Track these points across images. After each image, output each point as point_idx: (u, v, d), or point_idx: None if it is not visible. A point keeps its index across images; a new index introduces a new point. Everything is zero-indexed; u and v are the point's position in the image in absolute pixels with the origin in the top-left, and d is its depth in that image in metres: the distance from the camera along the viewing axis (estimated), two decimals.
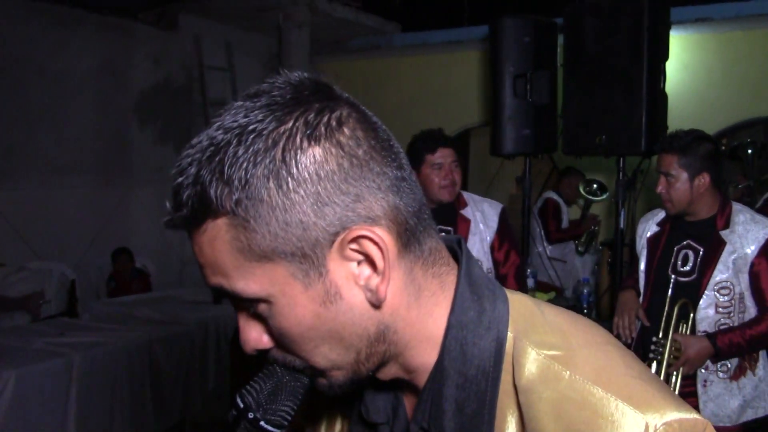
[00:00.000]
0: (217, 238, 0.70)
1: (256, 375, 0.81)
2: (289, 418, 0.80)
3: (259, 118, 0.69)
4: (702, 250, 2.91)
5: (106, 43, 6.43)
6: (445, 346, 0.76)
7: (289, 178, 0.67)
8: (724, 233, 2.85)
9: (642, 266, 3.09)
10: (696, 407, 2.78)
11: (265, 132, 0.68)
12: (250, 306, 0.74)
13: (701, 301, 2.82)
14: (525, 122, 4.68)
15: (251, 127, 0.68)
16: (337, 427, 0.94)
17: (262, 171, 0.67)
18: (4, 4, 5.63)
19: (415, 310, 0.76)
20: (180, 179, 0.70)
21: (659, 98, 4.28)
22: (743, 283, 2.83)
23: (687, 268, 2.94)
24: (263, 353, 0.79)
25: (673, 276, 2.94)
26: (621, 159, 4.35)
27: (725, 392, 2.84)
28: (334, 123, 0.70)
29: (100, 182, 6.46)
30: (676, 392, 2.71)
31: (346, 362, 0.76)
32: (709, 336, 2.75)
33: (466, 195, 3.32)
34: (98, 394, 4.00)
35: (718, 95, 6.21)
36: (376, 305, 0.73)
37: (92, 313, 5.00)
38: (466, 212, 3.20)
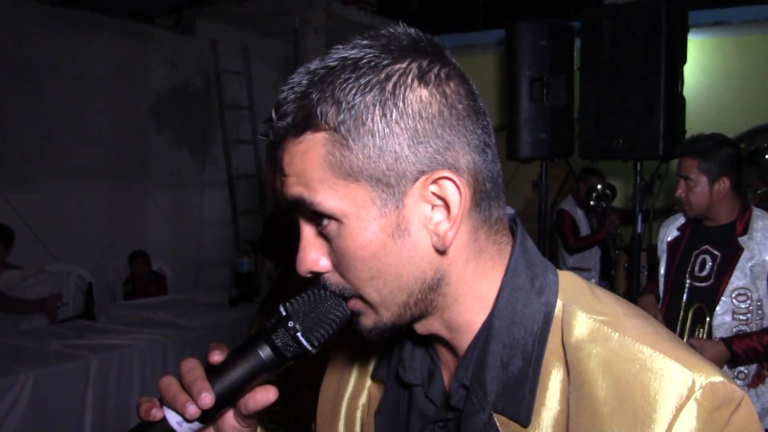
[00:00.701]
0: (312, 150, 0.75)
1: (304, 292, 0.82)
2: (323, 341, 0.82)
3: (376, 54, 0.74)
4: (719, 255, 2.89)
5: (123, 47, 6.47)
6: (496, 307, 0.79)
7: (395, 110, 0.73)
8: (742, 239, 2.83)
9: (662, 270, 3.07)
10: None
11: (379, 66, 0.74)
12: (320, 223, 0.77)
13: (718, 308, 2.80)
14: (541, 126, 4.67)
15: (366, 60, 0.74)
16: (363, 397, 0.97)
17: (370, 98, 0.72)
18: (23, 9, 5.68)
19: (472, 269, 0.80)
20: (289, 92, 0.76)
21: (677, 102, 4.25)
22: (761, 290, 2.80)
23: (704, 273, 2.92)
24: (316, 277, 0.82)
25: (688, 281, 2.91)
26: (638, 163, 4.32)
27: None
28: (443, 75, 0.76)
29: (117, 185, 6.50)
30: None
31: (395, 303, 0.78)
32: (725, 341, 2.73)
33: None
34: (114, 396, 4.02)
35: (736, 99, 6.17)
36: (440, 251, 0.76)
37: (109, 316, 5.03)
38: None
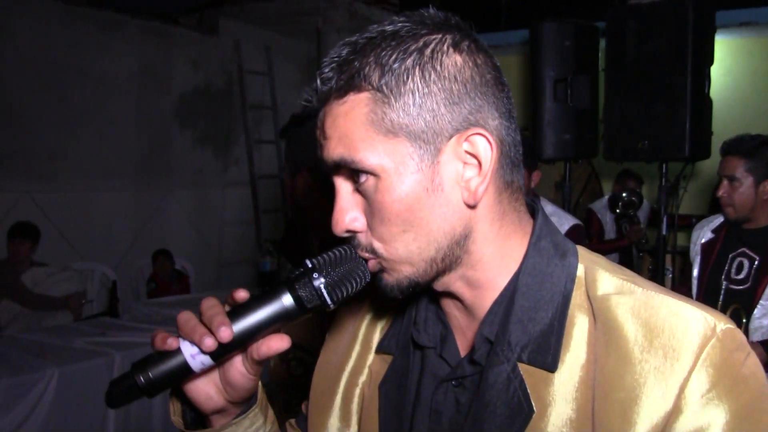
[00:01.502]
0: (355, 109, 0.80)
1: (331, 250, 0.85)
2: (342, 298, 0.85)
3: (413, 26, 0.82)
4: (758, 259, 2.85)
5: (147, 47, 6.53)
6: (523, 265, 0.85)
7: (432, 72, 0.79)
8: None
9: (695, 272, 3.03)
10: None
11: (417, 35, 0.81)
12: (357, 181, 0.82)
13: (756, 311, 2.75)
14: (565, 127, 4.64)
15: (405, 31, 0.81)
16: (363, 374, 0.99)
17: (410, 62, 0.79)
18: (48, 9, 5.75)
19: (497, 229, 0.85)
20: (331, 61, 0.82)
21: (704, 103, 4.20)
22: None
23: (741, 276, 2.87)
24: (350, 239, 0.86)
25: (725, 283, 2.87)
26: (664, 164, 4.28)
27: None
28: (474, 47, 0.83)
29: (140, 184, 6.56)
30: None
31: (422, 258, 0.83)
32: (763, 343, 2.69)
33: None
34: None
35: (763, 100, 6.10)
36: (471, 205, 0.82)
37: (132, 314, 5.06)
38: None
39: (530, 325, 0.82)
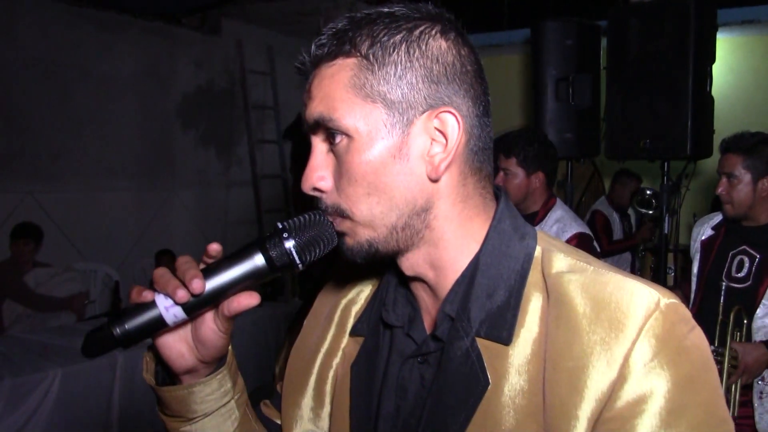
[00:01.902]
0: (341, 72, 0.86)
1: (303, 214, 0.90)
2: (310, 260, 0.89)
3: (408, 11, 0.88)
4: (759, 257, 2.83)
5: (150, 48, 6.54)
6: (484, 246, 0.90)
7: (417, 50, 0.86)
8: None
9: (695, 269, 3.02)
10: (752, 418, 2.71)
11: (410, 18, 0.87)
12: (333, 142, 0.88)
13: (758, 310, 2.74)
14: (567, 126, 4.64)
15: (400, 13, 0.88)
16: (337, 356, 1.04)
17: (398, 38, 0.86)
18: (52, 10, 5.76)
19: (459, 210, 0.90)
20: (332, 27, 0.89)
21: (705, 101, 4.19)
22: None
23: (741, 274, 2.86)
24: (316, 199, 0.91)
25: (725, 282, 2.86)
26: (666, 163, 4.28)
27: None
28: (460, 40, 0.89)
29: (143, 185, 6.57)
30: (735, 402, 2.68)
31: (384, 223, 0.88)
32: (767, 343, 2.68)
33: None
34: (141, 392, 4.05)
35: (765, 97, 6.09)
36: (433, 179, 0.87)
37: None
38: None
39: (488, 302, 0.87)
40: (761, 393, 2.74)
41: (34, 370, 3.57)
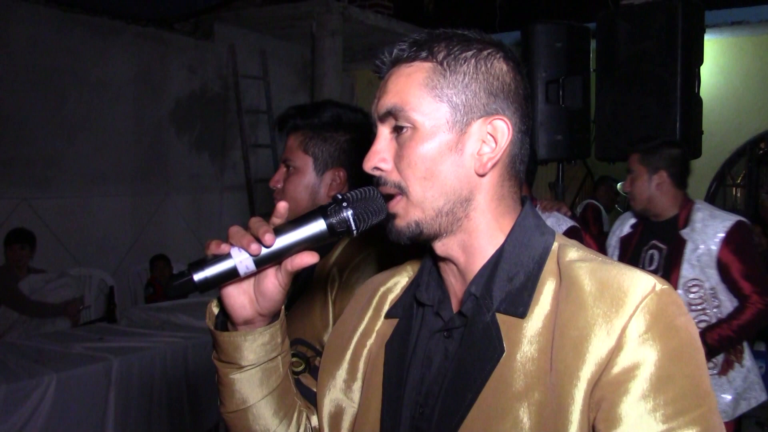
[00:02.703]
0: (417, 73, 1.02)
1: (359, 189, 1.03)
2: (363, 228, 1.02)
3: (482, 38, 1.05)
4: (665, 248, 3.04)
5: (143, 53, 6.55)
6: (509, 237, 1.03)
7: (483, 66, 1.02)
8: (684, 232, 2.98)
9: None
10: None
11: (482, 41, 1.04)
12: (399, 131, 1.02)
13: None
14: (558, 127, 4.66)
15: (473, 36, 1.04)
16: (371, 338, 1.17)
17: (470, 54, 1.02)
18: (45, 16, 5.77)
19: (494, 206, 1.04)
20: (413, 37, 1.04)
21: (694, 103, 4.23)
22: (712, 278, 2.91)
23: (653, 267, 3.05)
24: (375, 178, 1.05)
25: None
26: None
27: (716, 388, 2.86)
28: (518, 68, 1.05)
29: (137, 190, 6.58)
30: None
31: (432, 206, 1.01)
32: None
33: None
34: (136, 398, 4.06)
35: (754, 99, 6.12)
36: (480, 174, 1.02)
37: (130, 319, 5.07)
38: None
39: (509, 285, 1.00)
40: None
41: (29, 376, 3.58)
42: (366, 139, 1.84)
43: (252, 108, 7.42)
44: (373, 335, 1.17)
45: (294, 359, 1.72)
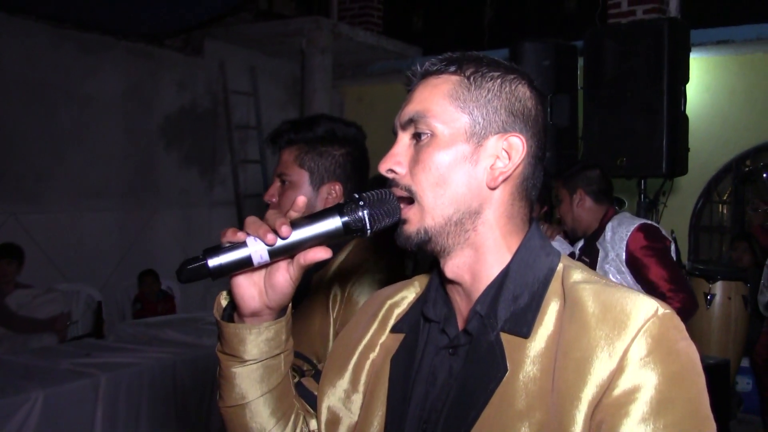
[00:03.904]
0: (444, 84, 1.05)
1: (375, 190, 1.05)
2: (377, 228, 1.03)
3: (511, 66, 1.09)
4: (588, 261, 3.17)
5: (133, 69, 6.55)
6: (514, 257, 1.04)
7: (508, 86, 1.05)
8: (598, 242, 3.15)
9: None
10: None
11: (509, 67, 1.08)
12: (418, 137, 1.05)
13: None
14: (546, 145, 4.69)
15: (502, 62, 1.09)
16: (375, 352, 1.18)
17: (496, 74, 1.06)
18: (36, 32, 5.78)
19: (503, 224, 1.05)
20: (446, 54, 1.08)
21: (680, 120, 4.28)
22: (626, 282, 3.04)
23: None
24: (389, 180, 1.07)
25: None
26: (642, 181, 4.35)
27: None
28: (541, 97, 1.09)
29: (126, 205, 6.56)
30: None
31: (442, 214, 1.03)
32: None
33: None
34: (124, 414, 4.03)
35: (740, 117, 6.19)
36: (491, 188, 1.03)
37: (118, 335, 5.04)
38: None
39: (513, 304, 1.01)
40: None
41: (15, 392, 3.54)
42: (360, 153, 1.86)
43: (241, 124, 7.43)
44: (377, 348, 1.18)
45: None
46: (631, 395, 0.88)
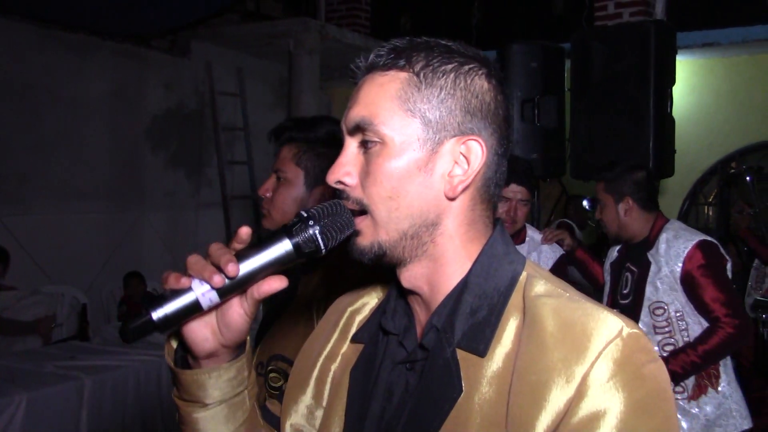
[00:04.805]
0: (391, 83, 0.95)
1: (323, 204, 0.96)
2: (332, 245, 0.95)
3: (466, 51, 0.98)
4: (636, 271, 3.02)
5: (119, 70, 6.52)
6: (474, 266, 0.96)
7: (462, 81, 0.95)
8: (650, 254, 2.95)
9: (606, 290, 3.23)
10: None
11: (464, 55, 0.97)
12: (366, 145, 0.96)
13: (640, 325, 2.82)
14: (533, 146, 4.71)
15: (456, 48, 0.97)
16: (336, 362, 1.11)
17: (450, 68, 0.95)
18: (21, 32, 5.73)
19: (463, 232, 0.97)
20: (393, 42, 0.97)
21: (666, 122, 4.30)
22: (678, 300, 2.86)
23: (626, 290, 3.04)
24: (339, 192, 0.99)
25: (619, 300, 3.07)
26: None
27: (683, 414, 2.80)
28: (500, 87, 0.98)
29: (112, 207, 6.52)
30: None
31: (397, 228, 0.95)
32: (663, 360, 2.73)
33: (530, 232, 3.32)
34: (108, 417, 4.01)
35: (726, 119, 6.23)
36: (449, 198, 0.95)
37: (103, 337, 5.02)
38: (521, 249, 3.17)
39: (471, 318, 0.93)
40: None
41: None
42: None
43: (228, 125, 7.40)
44: (338, 359, 1.11)
45: (273, 375, 1.71)
46: (590, 424, 0.81)
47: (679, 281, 2.84)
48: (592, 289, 3.47)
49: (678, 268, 2.84)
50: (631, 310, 2.94)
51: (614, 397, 0.81)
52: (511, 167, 3.32)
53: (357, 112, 0.96)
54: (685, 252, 2.84)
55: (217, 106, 7.20)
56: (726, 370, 2.88)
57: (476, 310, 0.94)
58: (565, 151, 4.88)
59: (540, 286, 0.93)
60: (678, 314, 2.86)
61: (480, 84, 0.96)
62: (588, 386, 0.82)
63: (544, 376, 0.84)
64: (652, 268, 2.91)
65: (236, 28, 7.04)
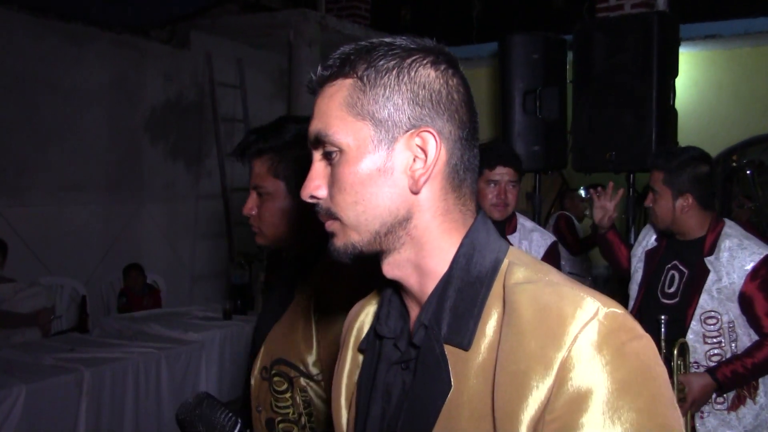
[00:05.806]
0: (338, 92, 0.96)
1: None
2: None
3: (408, 43, 0.98)
4: (687, 273, 2.85)
5: (118, 61, 6.48)
6: (455, 258, 0.96)
7: (406, 76, 0.95)
8: (708, 260, 2.77)
9: (638, 278, 3.05)
10: None
11: (406, 49, 0.97)
12: (330, 155, 0.97)
13: (689, 333, 2.75)
14: (535, 138, 4.69)
15: (398, 44, 0.97)
16: (356, 374, 1.11)
17: (391, 64, 0.95)
18: (19, 22, 5.69)
19: (438, 222, 0.97)
20: (341, 50, 0.98)
21: (669, 114, 4.27)
22: (732, 311, 2.74)
23: (672, 290, 2.88)
24: (313, 205, 1.01)
25: (660, 296, 2.90)
26: (631, 175, 4.34)
27: (722, 424, 2.75)
28: (450, 71, 0.98)
29: (111, 198, 6.50)
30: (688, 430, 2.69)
31: (368, 229, 0.96)
32: (710, 371, 2.67)
33: (521, 220, 3.24)
34: (108, 409, 4.00)
35: (727, 111, 6.21)
36: (414, 192, 0.95)
37: (102, 329, 5.01)
38: (513, 238, 3.11)
39: (455, 311, 0.93)
40: (701, 412, 2.75)
41: None
42: None
43: (228, 116, 7.37)
44: (357, 371, 1.12)
45: (276, 379, 1.70)
46: (572, 410, 0.80)
47: (737, 294, 2.71)
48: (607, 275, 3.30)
49: (741, 281, 2.69)
50: (674, 311, 2.82)
51: (595, 380, 0.80)
52: (495, 151, 3.26)
53: (314, 126, 0.98)
54: (752, 266, 2.68)
55: (216, 97, 7.17)
56: (765, 380, 2.79)
57: (460, 303, 0.94)
58: (566, 143, 4.87)
59: (520, 272, 0.93)
60: (730, 325, 2.74)
61: (425, 73, 0.96)
62: (567, 371, 0.81)
63: (524, 365, 0.84)
64: (711, 276, 2.74)
65: (236, 19, 7.01)
